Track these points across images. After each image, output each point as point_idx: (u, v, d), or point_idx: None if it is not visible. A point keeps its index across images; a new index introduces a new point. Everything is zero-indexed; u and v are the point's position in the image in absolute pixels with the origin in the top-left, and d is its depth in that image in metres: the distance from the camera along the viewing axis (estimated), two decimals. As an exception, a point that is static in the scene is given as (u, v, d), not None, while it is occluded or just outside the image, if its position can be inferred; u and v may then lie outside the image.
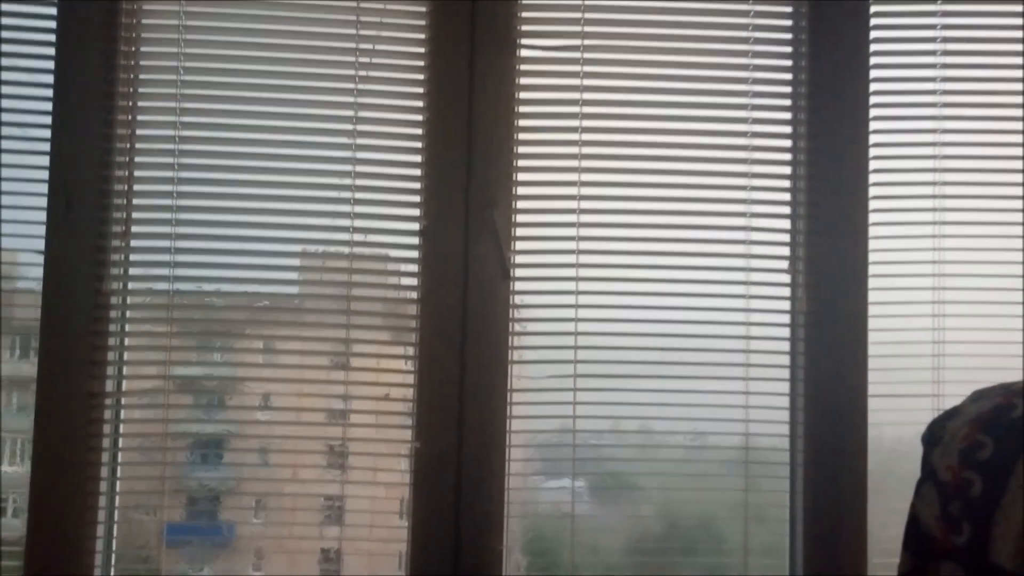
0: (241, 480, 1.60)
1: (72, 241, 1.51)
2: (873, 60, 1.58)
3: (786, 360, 1.57)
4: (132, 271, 1.54)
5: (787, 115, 1.60)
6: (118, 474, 1.54)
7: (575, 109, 1.56)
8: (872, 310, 1.55)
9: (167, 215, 1.54)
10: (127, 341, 1.55)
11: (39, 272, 1.50)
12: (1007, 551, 1.02)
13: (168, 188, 1.54)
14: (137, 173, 1.54)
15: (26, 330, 1.54)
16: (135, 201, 1.54)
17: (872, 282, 1.55)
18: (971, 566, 1.06)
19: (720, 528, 1.59)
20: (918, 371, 1.54)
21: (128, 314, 1.55)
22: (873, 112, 1.58)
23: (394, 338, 1.59)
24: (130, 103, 1.55)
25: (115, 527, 1.54)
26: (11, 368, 1.56)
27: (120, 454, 1.54)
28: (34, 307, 1.50)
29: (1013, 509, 1.03)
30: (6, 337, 1.55)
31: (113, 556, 1.54)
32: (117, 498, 1.54)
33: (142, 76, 1.56)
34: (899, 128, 1.59)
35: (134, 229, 1.54)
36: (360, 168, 1.55)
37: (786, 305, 1.57)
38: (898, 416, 1.50)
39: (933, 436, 1.21)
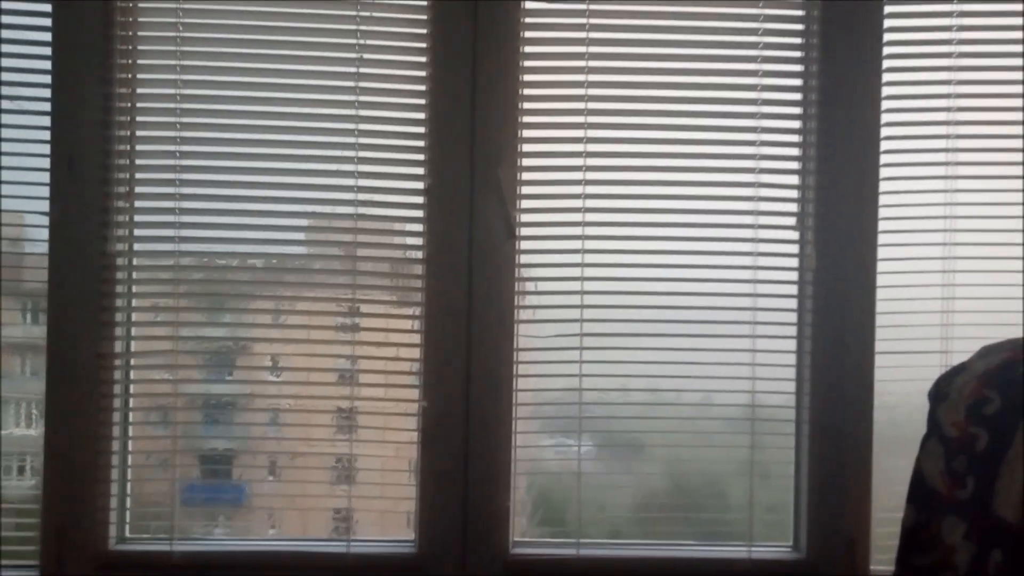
0: (251, 440, 1.62)
1: (76, 201, 1.50)
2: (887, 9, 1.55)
3: (793, 318, 1.56)
4: (137, 232, 1.54)
5: (799, 67, 1.56)
6: (130, 434, 1.56)
7: (581, 63, 1.54)
8: (881, 267, 1.54)
9: (171, 175, 1.53)
10: (134, 302, 1.55)
11: (46, 235, 1.50)
12: (1011, 504, 1.03)
13: (171, 148, 1.53)
14: (139, 133, 1.53)
15: (36, 295, 1.54)
16: (138, 161, 1.53)
17: (882, 238, 1.54)
18: (974, 519, 1.08)
19: (726, 486, 1.61)
20: (926, 327, 1.53)
21: (135, 275, 1.55)
22: (886, 64, 1.55)
23: (400, 298, 1.59)
24: (129, 60, 1.52)
25: (128, 486, 1.57)
26: (23, 332, 1.57)
27: (131, 415, 1.56)
28: (43, 271, 1.51)
29: (1018, 463, 1.04)
30: (16, 302, 1.56)
31: (128, 514, 1.57)
32: (129, 457, 1.56)
33: (141, 33, 1.53)
34: (913, 80, 1.56)
35: (138, 190, 1.53)
36: (364, 127, 1.53)
37: (794, 263, 1.56)
38: (905, 373, 1.50)
39: (940, 392, 1.21)
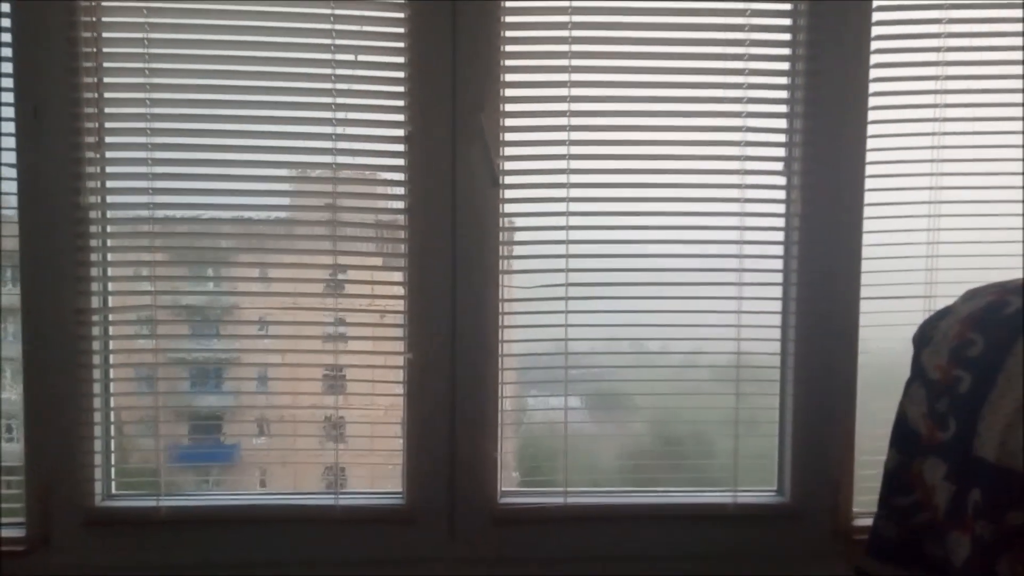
0: (240, 396, 1.61)
1: (44, 152, 1.45)
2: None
3: (779, 264, 1.56)
4: (109, 184, 1.50)
5: (788, 6, 1.52)
6: (111, 390, 1.54)
7: (565, 4, 1.49)
8: (867, 211, 1.53)
9: (142, 124, 1.48)
10: (110, 256, 1.52)
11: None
12: (991, 444, 1.03)
13: (141, 95, 1.47)
14: (107, 80, 1.47)
15: (15, 259, 1.49)
16: (107, 110, 1.48)
17: (868, 183, 1.53)
18: (954, 460, 1.09)
19: (712, 437, 1.62)
20: (911, 272, 1.53)
21: (109, 228, 1.51)
22: (876, 16, 1.51)
23: (383, 249, 1.57)
24: (93, 2, 1.45)
25: (112, 443, 1.55)
26: (4, 299, 1.54)
27: (112, 371, 1.54)
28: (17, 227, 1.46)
29: (1000, 403, 1.04)
30: (-4, 267, 1.53)
31: (112, 471, 1.56)
32: (112, 414, 1.55)
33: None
34: (901, 20, 1.53)
35: (108, 139, 1.48)
36: (340, 71, 1.48)
37: (780, 209, 1.55)
38: (890, 319, 1.50)
39: (924, 336, 1.21)
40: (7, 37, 1.44)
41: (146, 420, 1.54)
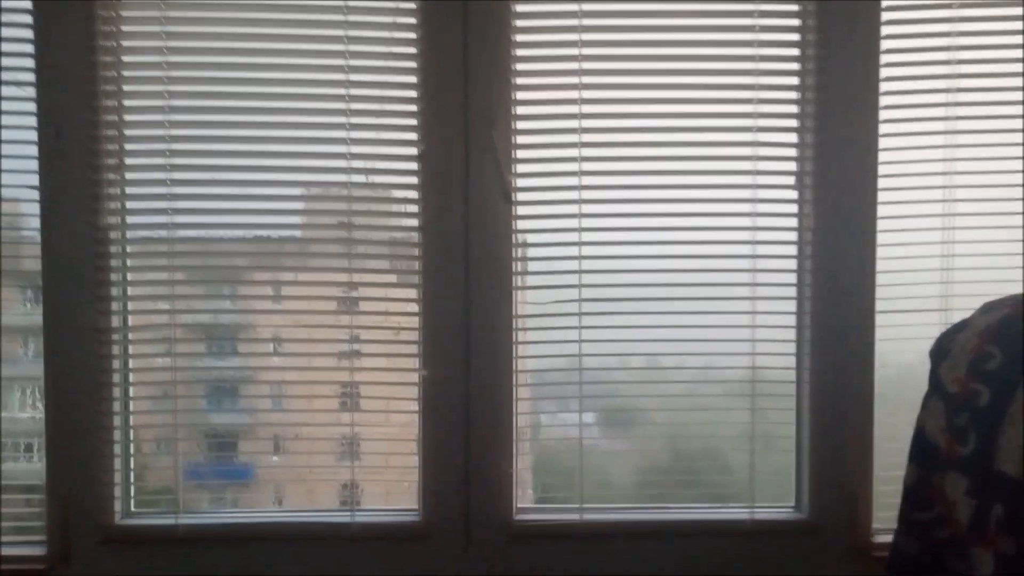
0: (256, 413, 1.62)
1: (65, 173, 1.48)
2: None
3: (793, 279, 1.55)
4: (129, 204, 1.52)
5: (796, 21, 1.53)
6: (131, 408, 1.55)
7: (574, 23, 1.50)
8: (881, 224, 1.52)
9: (161, 146, 1.50)
10: (129, 276, 1.54)
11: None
12: (1013, 458, 1.02)
13: (160, 118, 1.50)
14: (127, 103, 1.50)
15: (36, 276, 1.52)
16: (127, 132, 1.51)
17: (881, 196, 1.52)
18: (976, 474, 1.07)
19: (728, 452, 1.61)
20: (927, 286, 1.52)
21: (128, 248, 1.54)
22: (885, 16, 1.52)
23: (397, 266, 1.58)
24: (114, 28, 1.49)
25: (131, 461, 1.57)
26: (25, 318, 1.56)
27: (131, 389, 1.55)
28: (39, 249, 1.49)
29: (1020, 417, 1.03)
30: (17, 286, 1.55)
31: (132, 489, 1.57)
32: (131, 432, 1.56)
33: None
34: (912, 33, 1.53)
35: (128, 161, 1.51)
36: (354, 91, 1.50)
37: (793, 223, 1.55)
38: (906, 332, 1.49)
39: (941, 349, 1.20)
40: (30, 62, 1.47)
41: (164, 438, 1.55)
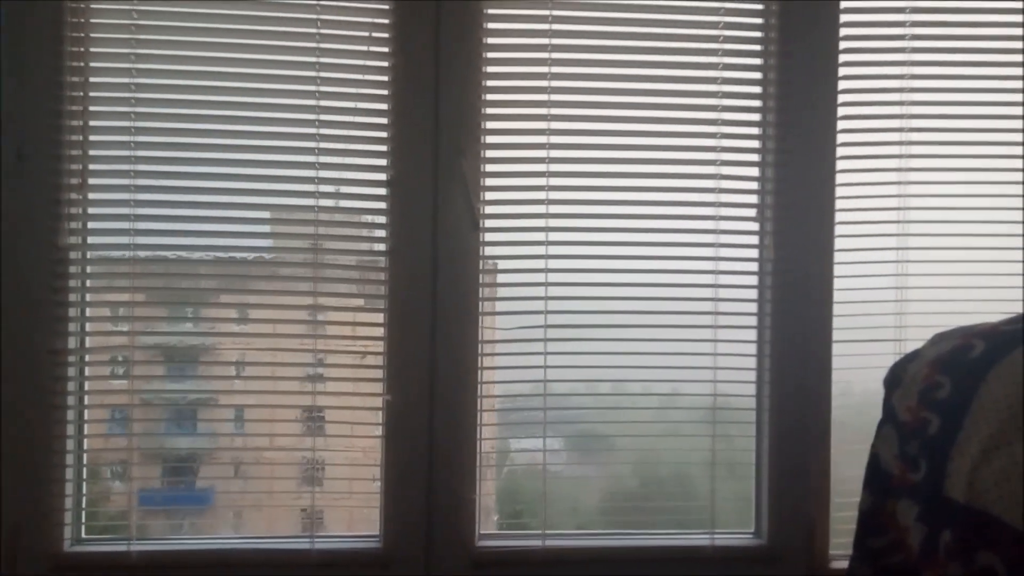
0: (216, 437, 1.60)
1: (25, 192, 1.45)
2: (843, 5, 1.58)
3: (754, 309, 1.59)
4: (91, 224, 1.50)
5: (758, 60, 1.58)
6: (84, 432, 1.52)
7: (544, 55, 1.53)
8: (837, 257, 1.57)
9: (126, 167, 1.49)
10: (88, 296, 1.51)
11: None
12: (960, 485, 1.05)
13: (126, 139, 1.49)
14: (92, 123, 1.49)
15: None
16: (91, 152, 1.49)
17: (838, 229, 1.58)
18: (926, 501, 1.10)
19: (690, 478, 1.63)
20: (882, 316, 1.57)
21: (88, 269, 1.51)
22: (843, 58, 1.58)
23: (364, 290, 1.58)
24: (82, 48, 1.48)
25: (83, 486, 1.53)
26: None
27: (86, 412, 1.52)
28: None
29: (967, 445, 1.06)
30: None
31: (83, 515, 1.53)
32: (84, 456, 1.52)
33: (94, 20, 1.49)
34: (868, 75, 1.60)
35: (92, 181, 1.49)
36: (325, 117, 1.51)
37: (754, 254, 1.59)
38: (862, 362, 1.53)
39: (894, 378, 1.24)
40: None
41: (119, 462, 1.51)
